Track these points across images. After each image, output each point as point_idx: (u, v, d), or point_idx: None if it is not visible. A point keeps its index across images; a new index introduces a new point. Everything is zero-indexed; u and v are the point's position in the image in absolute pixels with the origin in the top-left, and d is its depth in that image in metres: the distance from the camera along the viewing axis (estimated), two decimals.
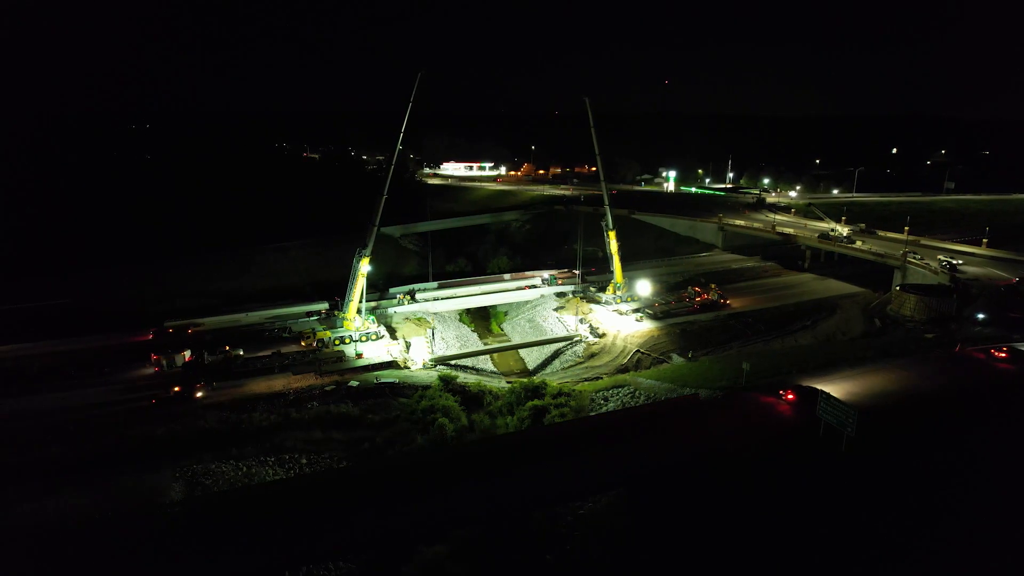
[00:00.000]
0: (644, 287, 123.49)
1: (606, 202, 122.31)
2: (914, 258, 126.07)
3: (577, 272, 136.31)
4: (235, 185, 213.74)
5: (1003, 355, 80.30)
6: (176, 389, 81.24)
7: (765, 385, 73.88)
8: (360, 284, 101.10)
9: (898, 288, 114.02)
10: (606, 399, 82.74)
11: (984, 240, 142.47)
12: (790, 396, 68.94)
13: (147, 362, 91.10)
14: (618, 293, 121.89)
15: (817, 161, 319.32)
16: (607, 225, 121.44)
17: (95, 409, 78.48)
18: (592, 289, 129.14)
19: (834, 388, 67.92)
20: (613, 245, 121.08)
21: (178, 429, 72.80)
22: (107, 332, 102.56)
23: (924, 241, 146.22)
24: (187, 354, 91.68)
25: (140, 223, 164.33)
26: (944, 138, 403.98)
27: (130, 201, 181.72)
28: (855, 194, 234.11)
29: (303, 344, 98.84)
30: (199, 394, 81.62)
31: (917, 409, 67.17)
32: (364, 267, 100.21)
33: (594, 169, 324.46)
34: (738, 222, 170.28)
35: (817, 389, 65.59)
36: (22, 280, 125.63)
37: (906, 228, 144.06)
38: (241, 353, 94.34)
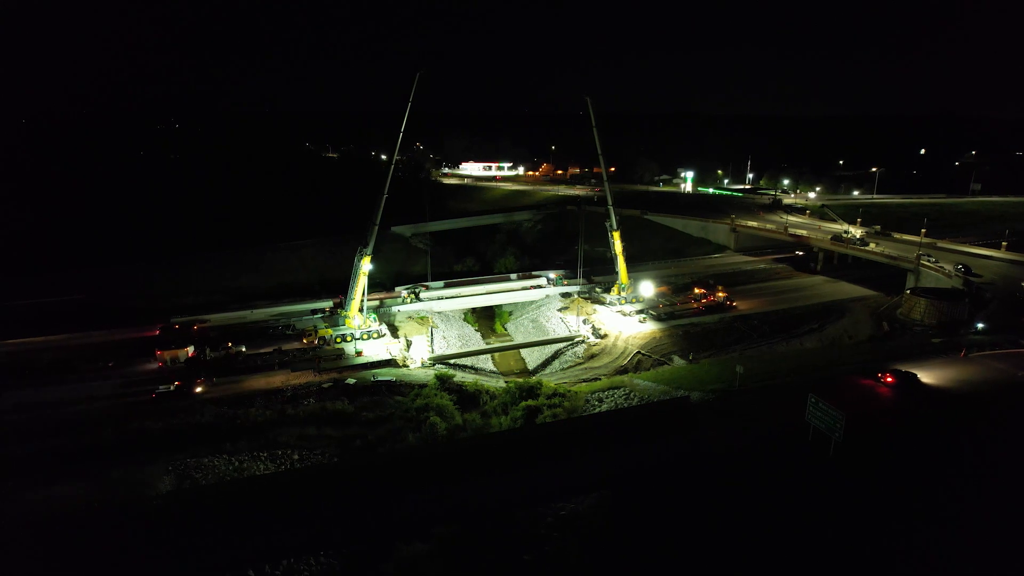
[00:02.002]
0: (647, 288, 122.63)
1: (609, 202, 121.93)
2: (928, 261, 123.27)
3: (579, 272, 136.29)
4: (254, 184, 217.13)
5: None
6: (176, 384, 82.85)
7: (865, 369, 76.93)
8: (361, 283, 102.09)
9: (908, 292, 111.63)
10: (601, 400, 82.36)
11: (1004, 243, 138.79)
12: (889, 379, 71.02)
13: (152, 357, 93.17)
14: (622, 294, 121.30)
15: (840, 162, 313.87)
16: (611, 226, 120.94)
17: (97, 403, 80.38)
18: (597, 290, 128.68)
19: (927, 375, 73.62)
20: (617, 246, 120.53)
21: (175, 423, 74.04)
22: (116, 327, 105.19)
23: (941, 244, 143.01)
24: (190, 350, 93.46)
25: (160, 221, 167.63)
26: (975, 138, 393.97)
27: (152, 199, 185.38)
28: (875, 195, 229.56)
29: (305, 341, 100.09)
30: (198, 389, 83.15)
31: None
32: (365, 266, 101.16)
33: (613, 169, 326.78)
34: (751, 223, 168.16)
35: (912, 373, 71.72)
36: (41, 276, 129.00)
37: (923, 231, 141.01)
38: (243, 350, 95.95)
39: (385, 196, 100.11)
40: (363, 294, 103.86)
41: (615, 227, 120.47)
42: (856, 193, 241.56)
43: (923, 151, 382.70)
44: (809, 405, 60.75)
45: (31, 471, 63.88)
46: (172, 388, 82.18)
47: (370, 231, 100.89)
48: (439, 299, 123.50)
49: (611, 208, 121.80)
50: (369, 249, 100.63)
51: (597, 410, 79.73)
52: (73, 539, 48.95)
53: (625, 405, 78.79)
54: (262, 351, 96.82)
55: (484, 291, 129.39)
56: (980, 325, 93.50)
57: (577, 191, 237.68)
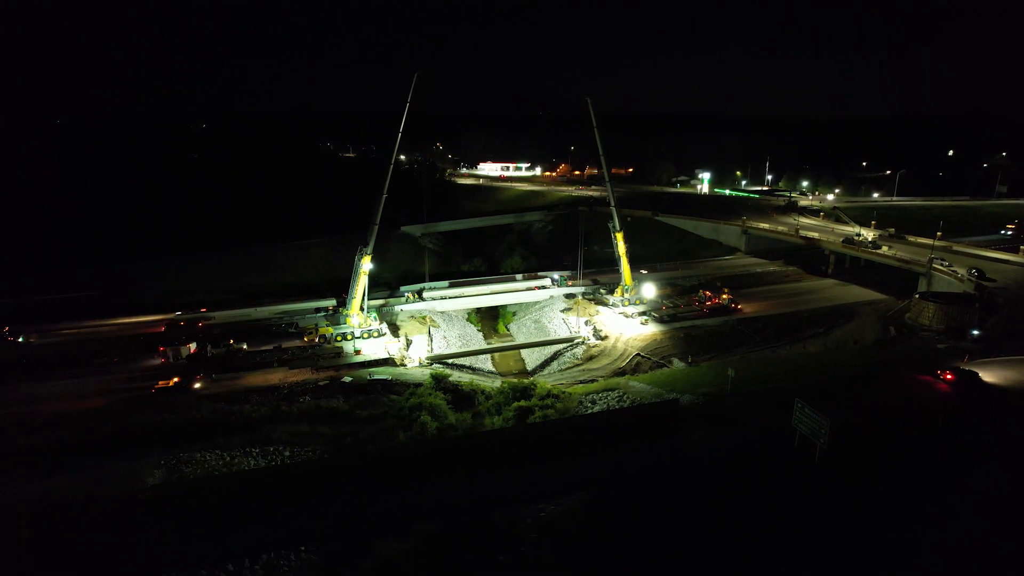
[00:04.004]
0: (650, 290, 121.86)
1: (611, 203, 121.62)
2: (941, 264, 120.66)
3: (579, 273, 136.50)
4: (269, 184, 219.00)
5: None
6: (176, 380, 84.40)
7: (924, 365, 78.39)
8: (362, 282, 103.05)
9: (917, 296, 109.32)
10: (594, 402, 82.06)
11: (1022, 247, 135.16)
12: (948, 376, 72.36)
13: (156, 353, 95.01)
14: (625, 295, 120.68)
15: (864, 164, 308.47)
16: (614, 227, 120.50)
17: (99, 397, 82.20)
18: (602, 291, 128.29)
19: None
20: (621, 247, 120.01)
21: (172, 418, 75.47)
22: (125, 324, 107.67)
23: (956, 247, 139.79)
24: (192, 346, 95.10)
25: (174, 220, 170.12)
26: (1006, 139, 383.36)
27: (166, 198, 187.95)
28: (895, 198, 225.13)
29: (306, 340, 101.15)
30: (197, 385, 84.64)
31: None
32: (366, 265, 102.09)
33: (631, 170, 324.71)
34: (762, 225, 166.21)
35: (974, 372, 72.79)
36: (56, 273, 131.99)
37: (938, 233, 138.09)
38: (244, 347, 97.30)
39: (385, 196, 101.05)
40: (364, 293, 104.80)
41: (618, 228, 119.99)
42: (876, 195, 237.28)
43: (951, 152, 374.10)
44: (796, 410, 59.93)
45: (32, 463, 65.67)
46: (172, 384, 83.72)
47: (370, 231, 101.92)
48: (442, 299, 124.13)
49: (613, 209, 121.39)
50: (369, 248, 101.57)
51: (590, 411, 79.59)
52: (51, 532, 50.05)
53: (617, 407, 78.45)
54: (263, 348, 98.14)
55: (488, 291, 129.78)
56: (975, 332, 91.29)
57: (592, 192, 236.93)
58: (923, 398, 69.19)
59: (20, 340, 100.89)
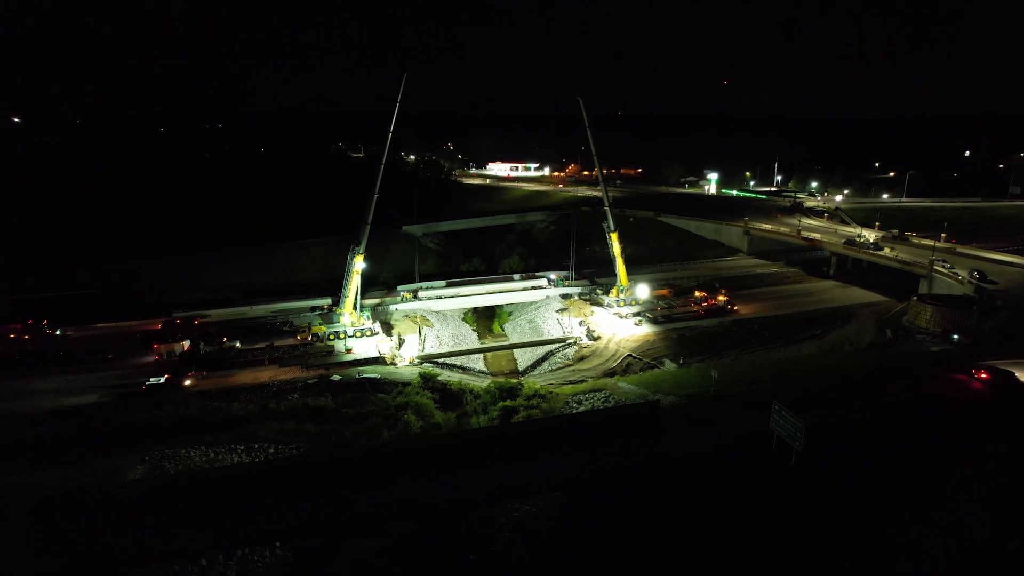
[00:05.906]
0: (644, 291, 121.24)
1: (606, 204, 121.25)
2: (943, 266, 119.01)
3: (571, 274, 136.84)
4: (276, 183, 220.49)
5: None
6: (167, 377, 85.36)
7: (958, 364, 78.48)
8: (355, 280, 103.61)
9: (915, 298, 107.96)
10: (580, 402, 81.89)
11: None
12: (983, 375, 72.47)
13: (150, 351, 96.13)
14: (620, 296, 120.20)
15: (876, 164, 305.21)
16: (609, 227, 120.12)
17: (92, 393, 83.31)
18: (598, 292, 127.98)
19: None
20: (616, 247, 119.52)
21: (161, 415, 76.15)
22: (123, 321, 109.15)
23: (960, 249, 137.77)
24: (186, 344, 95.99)
25: (180, 219, 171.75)
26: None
27: (172, 198, 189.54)
28: (904, 199, 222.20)
29: (299, 338, 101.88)
30: (188, 383, 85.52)
31: None
32: (358, 264, 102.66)
33: (640, 171, 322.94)
34: (764, 226, 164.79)
35: (1010, 372, 72.71)
36: (61, 272, 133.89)
37: (943, 235, 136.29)
38: (237, 345, 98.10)
39: (376, 195, 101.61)
40: (356, 292, 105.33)
41: (612, 228, 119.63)
42: (886, 196, 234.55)
43: (967, 153, 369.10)
44: (773, 412, 59.51)
45: (19, 457, 66.74)
46: (163, 381, 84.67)
47: (362, 230, 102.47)
48: (438, 298, 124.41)
49: (608, 209, 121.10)
50: (362, 248, 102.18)
51: (575, 412, 79.45)
52: (24, 526, 50.76)
53: (602, 407, 78.24)
54: (255, 347, 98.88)
55: (484, 291, 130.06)
56: (955, 336, 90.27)
57: (598, 192, 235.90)
58: (957, 395, 68.81)
59: (58, 333, 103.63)
